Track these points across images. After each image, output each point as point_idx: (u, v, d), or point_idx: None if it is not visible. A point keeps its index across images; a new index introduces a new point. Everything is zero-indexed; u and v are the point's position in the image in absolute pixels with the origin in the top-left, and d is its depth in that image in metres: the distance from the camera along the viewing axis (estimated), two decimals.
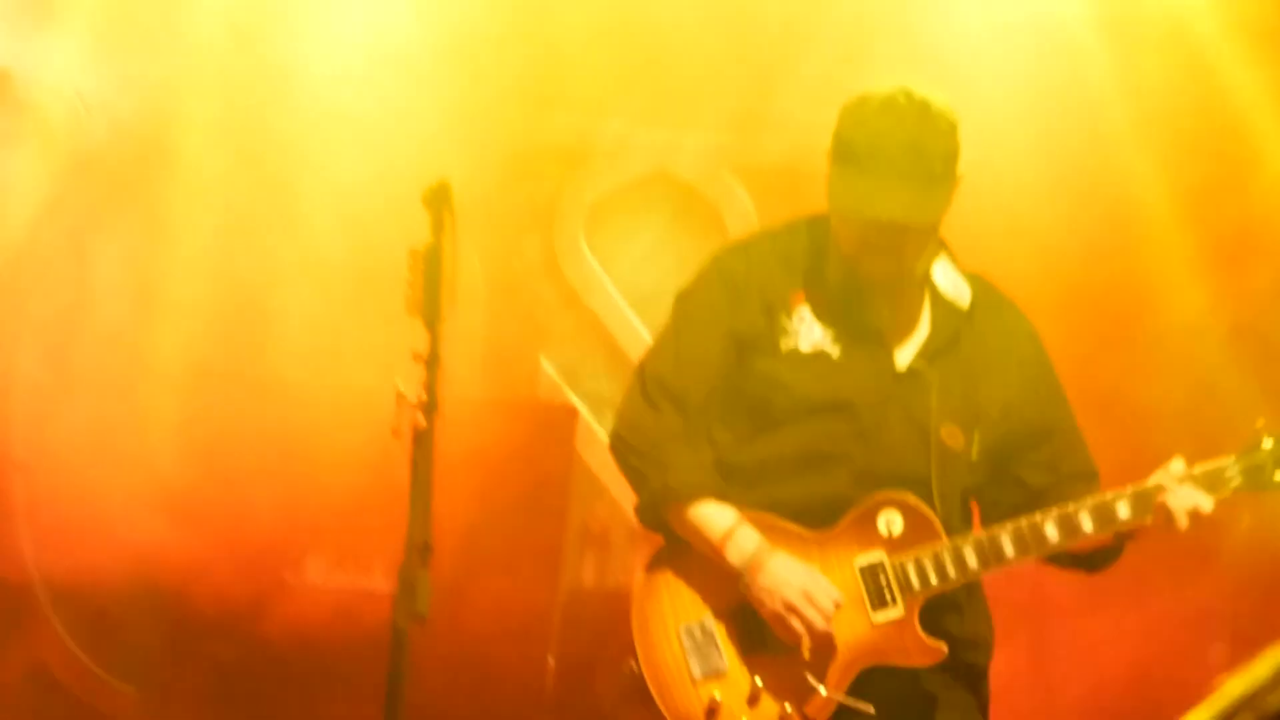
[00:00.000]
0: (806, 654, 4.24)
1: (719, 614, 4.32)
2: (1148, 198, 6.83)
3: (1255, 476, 4.30)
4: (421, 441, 4.29)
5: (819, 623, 4.21)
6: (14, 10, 7.12)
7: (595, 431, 7.16)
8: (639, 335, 7.22)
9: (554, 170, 7.50)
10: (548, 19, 7.31)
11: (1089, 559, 4.41)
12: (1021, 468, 4.41)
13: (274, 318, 7.16)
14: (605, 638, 6.13)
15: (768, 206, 7.32)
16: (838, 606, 4.24)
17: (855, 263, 4.29)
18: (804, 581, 4.23)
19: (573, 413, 6.96)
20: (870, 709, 4.23)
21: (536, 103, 7.46)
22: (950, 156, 4.22)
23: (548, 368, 7.52)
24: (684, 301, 4.46)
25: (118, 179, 7.21)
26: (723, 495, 4.33)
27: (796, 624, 4.22)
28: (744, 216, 7.39)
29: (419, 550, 4.21)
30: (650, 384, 4.40)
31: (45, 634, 7.04)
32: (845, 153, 4.20)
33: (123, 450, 6.90)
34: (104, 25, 7.19)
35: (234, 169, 7.21)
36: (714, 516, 4.32)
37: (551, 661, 6.52)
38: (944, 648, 4.26)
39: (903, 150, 4.16)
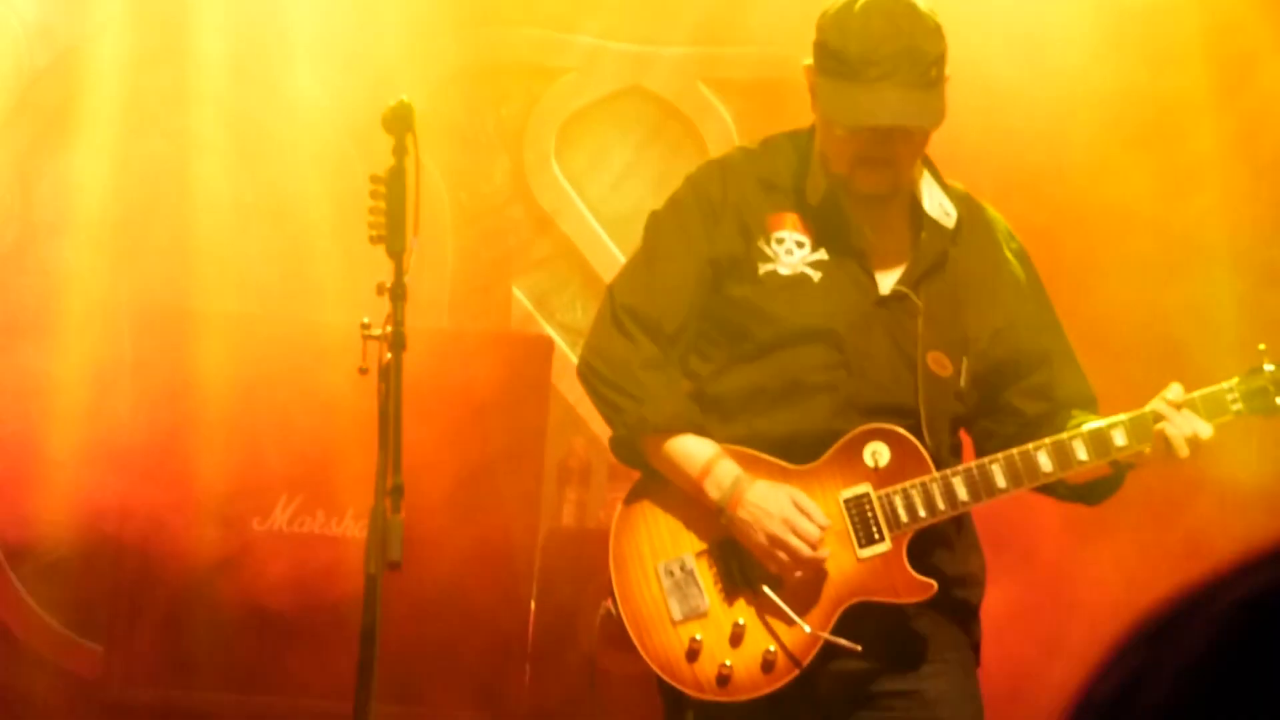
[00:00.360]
0: (796, 576, 4.24)
1: (699, 551, 4.34)
2: (1137, 111, 6.82)
3: (1257, 401, 4.32)
4: (389, 378, 4.31)
5: (804, 550, 4.22)
6: None
7: (572, 363, 7.17)
8: (616, 260, 7.24)
9: (521, 88, 7.50)
10: None
11: (1088, 491, 4.42)
12: (1015, 396, 4.41)
13: (231, 252, 7.16)
14: (587, 579, 6.17)
15: (747, 121, 7.33)
16: (824, 529, 4.26)
17: (848, 180, 4.29)
18: (785, 510, 4.23)
19: (548, 344, 6.96)
20: (857, 648, 4.26)
21: (501, 18, 7.46)
22: (941, 58, 4.25)
23: (520, 297, 7.53)
24: (656, 223, 4.45)
25: (62, 107, 7.20)
26: (700, 428, 4.34)
27: (783, 555, 4.23)
28: (723, 132, 7.40)
29: (390, 494, 4.24)
30: (621, 310, 4.38)
31: (2, 591, 7.08)
32: (836, 64, 4.21)
33: (73, 396, 6.91)
34: None
35: (184, 96, 7.19)
36: (691, 450, 4.32)
37: (533, 606, 6.55)
38: (934, 584, 4.27)
39: (898, 54, 4.17)
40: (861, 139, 4.23)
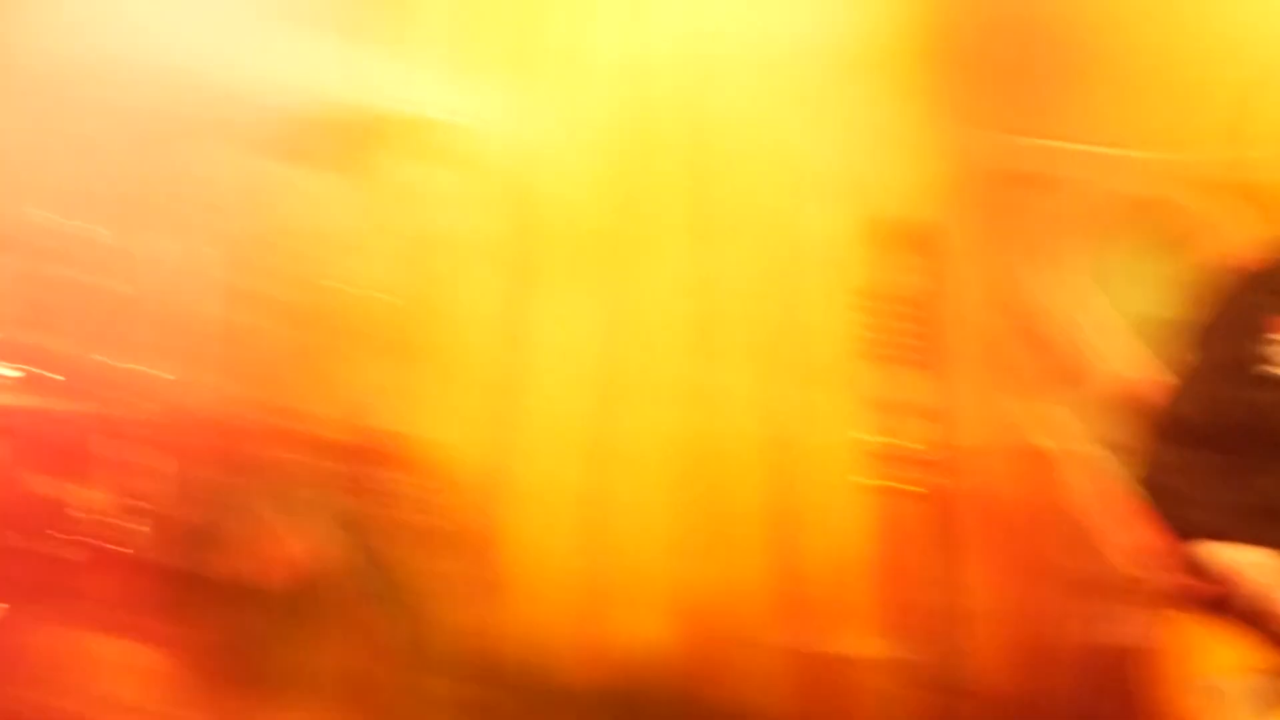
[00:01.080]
0: None
1: (1256, 669, 4.33)
2: None
3: None
4: (926, 497, 4.39)
5: None
6: (451, 62, 7.34)
7: (1105, 477, 7.15)
8: (1137, 369, 7.21)
9: (1031, 197, 7.52)
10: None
11: None
12: None
13: (735, 378, 7.28)
14: (1125, 697, 6.12)
15: (1252, 225, 7.26)
16: None
17: None
18: None
19: (1082, 457, 6.96)
20: None
21: (994, 124, 7.51)
22: None
23: (1045, 410, 7.54)
24: (1186, 331, 4.54)
25: (572, 238, 7.41)
26: (1253, 537, 4.36)
27: None
28: (1233, 236, 7.33)
29: (954, 616, 4.28)
30: (1166, 420, 4.46)
31: None
32: None
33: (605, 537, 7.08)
34: (548, 75, 7.37)
35: (691, 216, 7.34)
36: (1246, 561, 4.34)
37: None
38: None
39: None
40: None
